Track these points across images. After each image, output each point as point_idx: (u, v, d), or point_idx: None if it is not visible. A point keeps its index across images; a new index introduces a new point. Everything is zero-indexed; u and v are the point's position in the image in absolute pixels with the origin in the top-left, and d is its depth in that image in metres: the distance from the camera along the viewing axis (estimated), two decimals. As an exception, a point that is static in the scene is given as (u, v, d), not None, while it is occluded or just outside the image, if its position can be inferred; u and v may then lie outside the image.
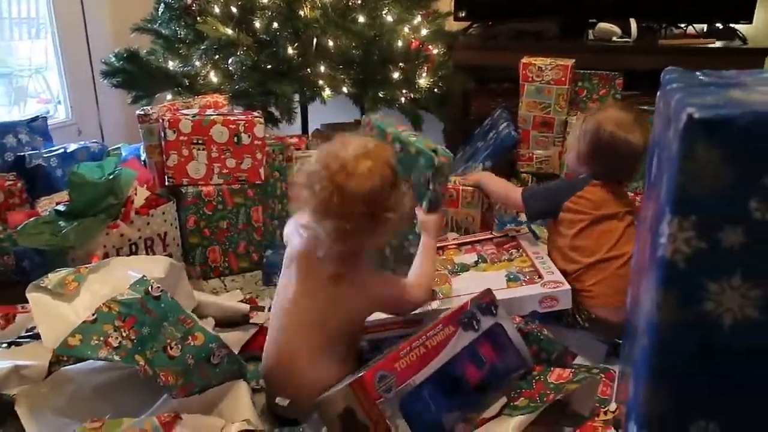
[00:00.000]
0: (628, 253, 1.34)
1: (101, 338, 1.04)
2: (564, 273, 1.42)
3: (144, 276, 1.18)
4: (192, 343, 1.12)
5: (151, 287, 1.16)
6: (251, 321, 1.48)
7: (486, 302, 1.20)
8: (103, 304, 1.09)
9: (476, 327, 1.16)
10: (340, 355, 1.18)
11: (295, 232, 1.21)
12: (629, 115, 1.45)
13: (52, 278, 1.16)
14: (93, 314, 1.07)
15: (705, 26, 2.31)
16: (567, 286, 1.36)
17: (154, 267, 1.30)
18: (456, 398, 1.11)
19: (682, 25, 2.34)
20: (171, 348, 1.10)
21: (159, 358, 1.08)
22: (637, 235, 0.90)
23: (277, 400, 1.14)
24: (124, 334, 1.06)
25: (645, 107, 1.99)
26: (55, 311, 1.10)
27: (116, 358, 1.04)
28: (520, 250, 1.55)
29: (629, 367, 0.76)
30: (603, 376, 1.22)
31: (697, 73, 0.80)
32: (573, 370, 1.23)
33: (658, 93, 0.85)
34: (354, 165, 1.08)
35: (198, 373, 1.11)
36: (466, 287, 1.38)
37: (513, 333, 1.22)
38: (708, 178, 0.53)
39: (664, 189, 0.57)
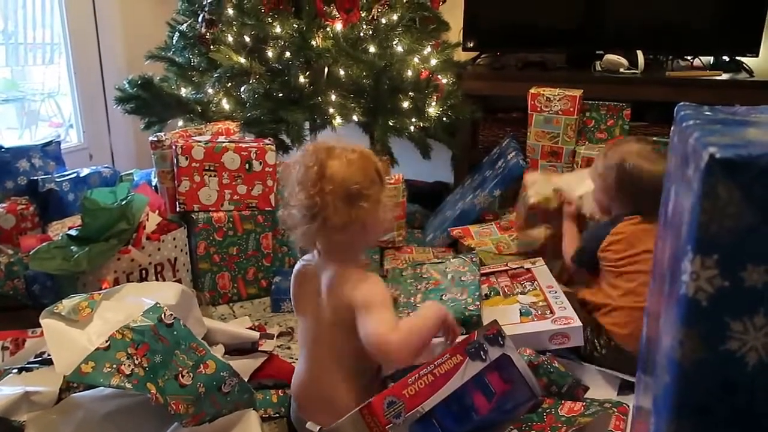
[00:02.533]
0: None
1: (114, 366, 1.04)
2: (592, 304, 1.42)
3: (157, 303, 1.19)
4: (203, 372, 1.12)
5: (164, 314, 1.16)
6: (260, 349, 1.48)
7: (492, 333, 1.20)
8: (117, 331, 1.09)
9: (484, 357, 1.16)
10: (367, 374, 1.17)
11: (299, 265, 1.21)
12: (648, 146, 1.45)
13: (66, 304, 1.16)
14: (106, 341, 1.07)
15: (711, 59, 2.33)
16: (578, 323, 1.35)
17: (167, 293, 1.31)
18: (466, 428, 1.10)
19: (689, 58, 2.37)
20: (183, 376, 1.09)
21: (170, 386, 1.07)
22: (653, 268, 0.90)
23: (308, 425, 1.12)
24: (136, 362, 1.06)
25: (654, 138, 2.02)
26: (68, 337, 1.10)
27: (128, 385, 1.03)
28: (534, 283, 1.55)
29: (647, 402, 0.75)
30: (616, 410, 1.21)
31: (705, 109, 0.81)
32: (585, 403, 1.22)
33: (672, 128, 0.85)
34: (340, 152, 1.11)
35: (209, 402, 1.11)
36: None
37: (521, 364, 1.22)
38: (730, 218, 0.54)
39: (685, 227, 0.58)
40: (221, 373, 1.13)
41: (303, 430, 1.15)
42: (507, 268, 1.66)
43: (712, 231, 0.54)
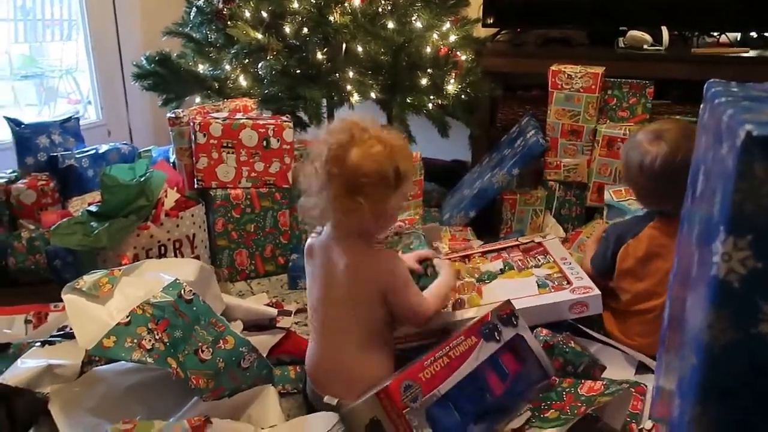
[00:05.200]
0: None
1: (135, 340, 1.05)
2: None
3: (177, 279, 1.20)
4: (223, 347, 1.13)
5: (184, 290, 1.17)
6: (278, 325, 1.49)
7: (506, 313, 1.20)
8: (137, 306, 1.10)
9: (498, 338, 1.16)
10: (382, 345, 1.19)
11: (310, 240, 1.24)
12: (653, 131, 1.35)
13: (87, 280, 1.17)
14: (127, 316, 1.08)
15: (738, 35, 2.27)
16: (597, 291, 1.34)
17: (186, 270, 1.32)
18: (481, 409, 1.11)
19: (715, 34, 2.31)
20: (202, 351, 1.10)
21: (190, 361, 1.09)
22: (678, 244, 0.88)
23: (326, 399, 1.14)
24: (157, 337, 1.07)
25: (677, 117, 1.97)
26: (90, 313, 1.12)
27: (149, 360, 1.05)
28: (548, 256, 1.54)
29: (670, 384, 0.75)
30: (634, 390, 1.20)
31: (733, 85, 0.78)
32: (604, 382, 1.21)
33: (702, 106, 0.83)
34: (367, 139, 1.10)
35: (228, 377, 1.12)
36: (497, 295, 1.37)
37: (534, 344, 1.22)
38: (765, 197, 0.52)
39: (717, 207, 0.56)
40: (240, 349, 1.14)
41: (320, 406, 1.16)
42: (518, 242, 1.65)
43: (746, 211, 0.53)
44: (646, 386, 1.23)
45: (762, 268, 0.54)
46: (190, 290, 1.18)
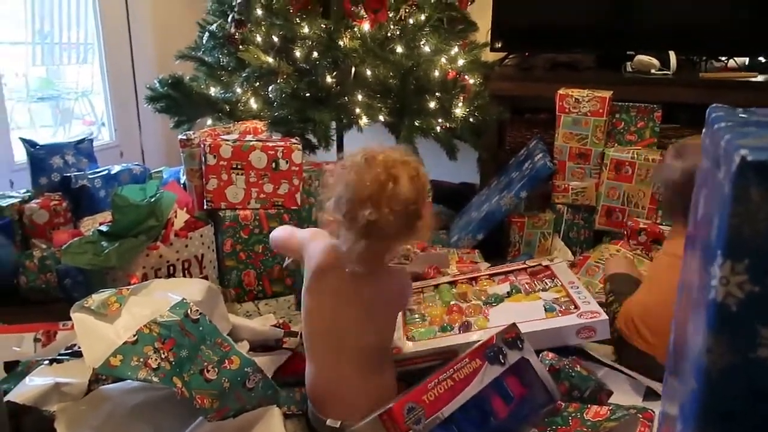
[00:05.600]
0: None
1: (141, 359, 1.06)
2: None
3: (183, 299, 1.21)
4: (228, 367, 1.13)
5: (190, 310, 1.18)
6: (284, 346, 1.49)
7: (512, 336, 1.20)
8: (144, 325, 1.11)
9: (503, 361, 1.15)
10: (386, 366, 1.20)
11: (319, 249, 1.19)
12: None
13: (96, 299, 1.19)
14: (134, 335, 1.09)
15: (747, 59, 2.28)
16: (604, 317, 1.34)
17: (193, 289, 1.33)
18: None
19: (723, 58, 2.32)
20: (208, 371, 1.11)
21: (196, 381, 1.09)
22: (682, 269, 0.89)
23: (328, 422, 1.14)
24: (163, 356, 1.08)
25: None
26: (97, 331, 1.12)
27: (155, 379, 1.05)
28: (555, 280, 1.54)
29: (674, 409, 0.74)
30: (641, 416, 1.19)
31: (739, 111, 0.79)
32: (611, 407, 1.20)
33: (704, 131, 0.84)
34: (405, 170, 1.09)
35: (233, 397, 1.12)
36: (504, 319, 1.37)
37: (539, 367, 1.21)
38: (761, 222, 0.53)
39: (715, 231, 0.57)
40: (245, 369, 1.15)
41: (322, 429, 1.16)
42: (525, 266, 1.65)
43: (743, 235, 0.53)
44: (653, 412, 1.21)
45: (759, 291, 0.54)
46: (197, 310, 1.19)
